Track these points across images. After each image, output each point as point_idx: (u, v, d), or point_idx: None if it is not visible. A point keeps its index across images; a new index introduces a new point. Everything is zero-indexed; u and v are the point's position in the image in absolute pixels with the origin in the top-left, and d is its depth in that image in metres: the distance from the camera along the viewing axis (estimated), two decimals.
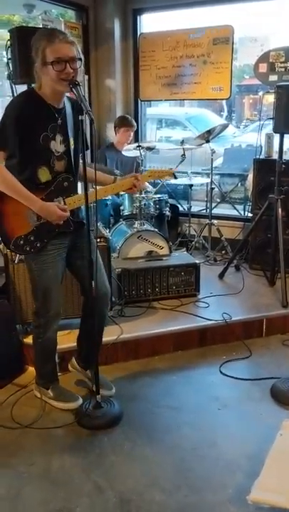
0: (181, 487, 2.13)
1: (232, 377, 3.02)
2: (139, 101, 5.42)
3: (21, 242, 2.41)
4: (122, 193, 4.39)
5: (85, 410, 2.59)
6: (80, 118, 2.28)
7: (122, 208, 4.45)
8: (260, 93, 5.01)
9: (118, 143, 4.78)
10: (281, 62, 4.32)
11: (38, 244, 2.42)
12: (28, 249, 2.42)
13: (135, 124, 4.91)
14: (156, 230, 4.22)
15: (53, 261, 2.47)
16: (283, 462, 1.98)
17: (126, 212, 4.42)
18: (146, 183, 4.44)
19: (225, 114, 10.56)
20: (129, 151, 4.38)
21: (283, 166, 3.87)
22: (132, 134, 4.83)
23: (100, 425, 2.54)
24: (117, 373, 3.04)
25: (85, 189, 2.46)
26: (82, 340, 2.81)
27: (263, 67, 4.42)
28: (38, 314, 2.61)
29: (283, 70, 4.31)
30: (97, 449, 2.39)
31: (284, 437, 2.13)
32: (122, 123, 4.83)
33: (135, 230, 4.08)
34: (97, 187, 2.52)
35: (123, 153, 4.52)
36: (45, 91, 2.30)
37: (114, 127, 4.90)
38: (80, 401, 2.69)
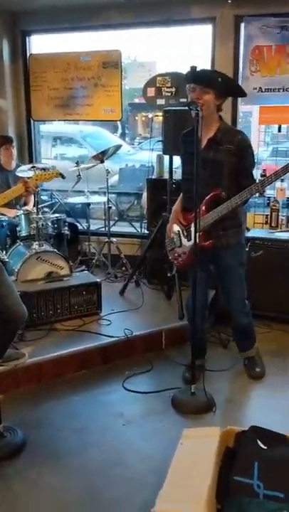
0: (89, 511, 2.15)
1: (135, 391, 3.10)
2: (32, 121, 5.40)
3: None
4: (19, 212, 4.35)
5: None
6: None
7: (18, 228, 4.38)
8: (150, 115, 5.25)
9: (5, 163, 4.71)
10: (167, 87, 4.58)
11: None
12: None
13: (11, 137, 4.84)
14: (55, 250, 4.21)
15: None
16: (184, 471, 2.08)
17: (23, 233, 4.36)
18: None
19: (119, 131, 10.83)
20: (24, 172, 4.34)
21: (174, 185, 4.09)
22: (12, 149, 4.74)
23: (3, 455, 2.47)
24: (20, 400, 2.98)
25: None
26: None
27: (151, 92, 4.65)
28: None
29: (169, 94, 4.56)
30: (1, 480, 2.33)
31: (184, 446, 2.24)
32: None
33: (34, 251, 4.04)
34: None
35: (17, 173, 4.45)
36: None
37: None
38: None
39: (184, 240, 3.06)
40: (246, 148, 2.89)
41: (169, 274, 4.17)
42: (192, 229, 2.95)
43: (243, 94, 3.12)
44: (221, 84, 2.76)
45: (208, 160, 2.76)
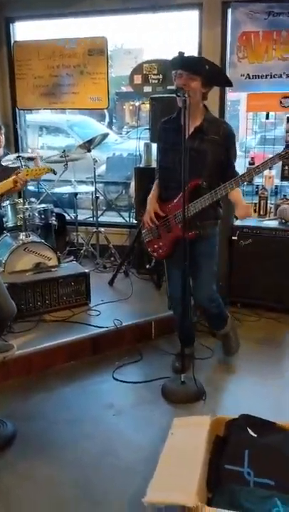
0: (81, 502, 2.14)
1: (125, 381, 3.10)
2: (17, 109, 5.31)
3: None
4: (4, 204, 4.29)
5: None
6: None
7: (5, 219, 4.33)
8: (137, 103, 5.19)
9: None
10: (154, 74, 4.52)
11: None
12: None
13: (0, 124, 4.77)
14: (42, 240, 4.17)
15: None
16: (175, 460, 2.08)
17: (10, 224, 4.31)
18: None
19: (107, 120, 10.72)
20: (10, 161, 4.28)
21: None
22: (1, 136, 4.66)
23: None
24: (9, 393, 2.96)
25: None
26: None
27: (138, 79, 4.59)
28: None
29: (156, 81, 4.51)
30: None
31: (174, 436, 2.24)
32: None
33: (21, 242, 4.00)
34: None
35: (2, 163, 4.39)
36: None
37: None
38: None
39: (163, 231, 3.02)
40: (231, 139, 2.86)
41: (147, 266, 4.13)
42: (172, 220, 2.92)
43: (229, 84, 3.06)
44: (208, 72, 2.72)
45: (192, 149, 2.71)
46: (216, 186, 2.76)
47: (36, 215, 4.34)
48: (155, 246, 3.08)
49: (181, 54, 2.71)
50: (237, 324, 3.73)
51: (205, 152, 2.77)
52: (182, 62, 2.73)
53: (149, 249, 3.15)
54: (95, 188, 4.84)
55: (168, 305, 3.75)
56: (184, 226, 2.74)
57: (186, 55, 2.76)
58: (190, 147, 2.69)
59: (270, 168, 4.32)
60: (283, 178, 4.33)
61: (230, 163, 2.88)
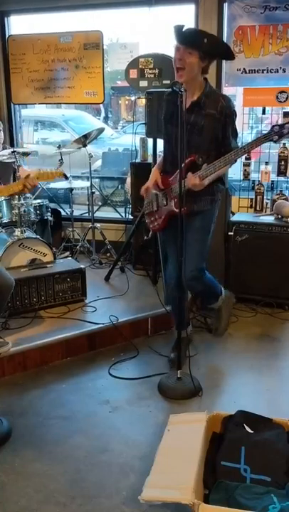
0: (76, 497, 2.13)
1: (121, 378, 3.09)
2: (12, 104, 5.27)
3: None
4: (0, 199, 4.26)
5: None
6: None
7: (0, 215, 4.30)
8: (133, 98, 5.16)
9: None
10: (150, 69, 4.48)
11: None
12: None
13: None
14: (38, 236, 4.15)
15: None
16: (171, 457, 2.07)
17: (5, 220, 4.28)
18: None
19: (102, 115, 10.68)
20: (4, 156, 4.24)
21: None
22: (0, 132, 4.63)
23: None
24: (4, 389, 2.95)
25: None
26: None
27: (134, 73, 4.55)
28: None
29: (152, 76, 4.47)
30: None
31: (171, 432, 2.23)
32: None
33: (16, 237, 3.97)
34: None
35: None
36: None
37: None
38: None
39: (161, 204, 2.99)
40: (229, 115, 2.79)
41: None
42: (169, 193, 2.90)
43: (230, 56, 2.94)
44: (206, 46, 2.64)
45: (188, 123, 2.65)
46: None
47: (31, 210, 4.31)
48: (152, 218, 3.08)
49: (178, 27, 2.65)
50: (233, 320, 3.74)
51: (200, 126, 2.72)
52: (180, 36, 2.66)
53: (147, 221, 3.16)
54: (91, 184, 4.82)
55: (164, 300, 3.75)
56: (179, 202, 2.68)
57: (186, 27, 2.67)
58: (186, 121, 2.63)
59: (267, 163, 4.32)
60: (279, 173, 4.31)
61: (227, 140, 2.80)
